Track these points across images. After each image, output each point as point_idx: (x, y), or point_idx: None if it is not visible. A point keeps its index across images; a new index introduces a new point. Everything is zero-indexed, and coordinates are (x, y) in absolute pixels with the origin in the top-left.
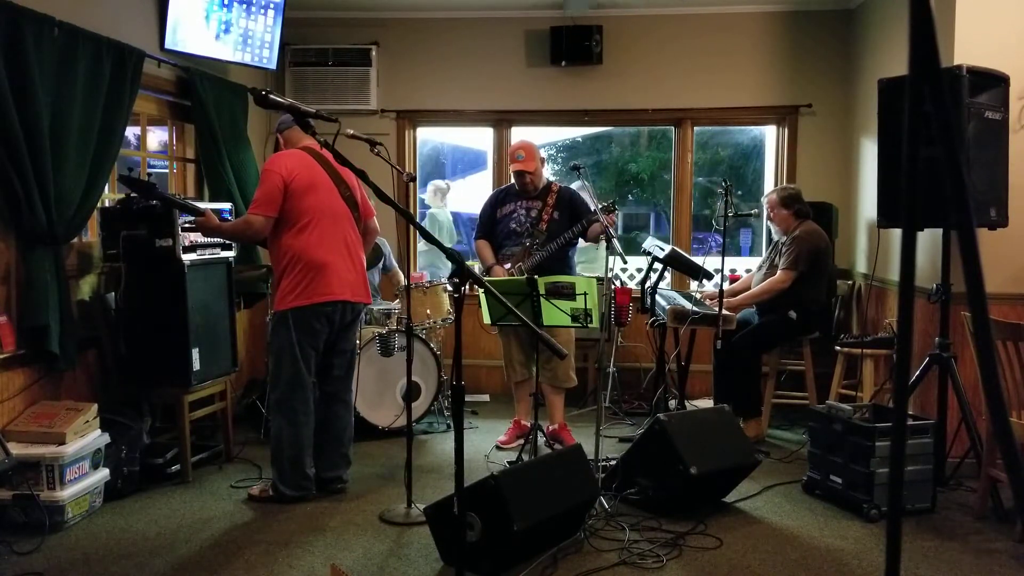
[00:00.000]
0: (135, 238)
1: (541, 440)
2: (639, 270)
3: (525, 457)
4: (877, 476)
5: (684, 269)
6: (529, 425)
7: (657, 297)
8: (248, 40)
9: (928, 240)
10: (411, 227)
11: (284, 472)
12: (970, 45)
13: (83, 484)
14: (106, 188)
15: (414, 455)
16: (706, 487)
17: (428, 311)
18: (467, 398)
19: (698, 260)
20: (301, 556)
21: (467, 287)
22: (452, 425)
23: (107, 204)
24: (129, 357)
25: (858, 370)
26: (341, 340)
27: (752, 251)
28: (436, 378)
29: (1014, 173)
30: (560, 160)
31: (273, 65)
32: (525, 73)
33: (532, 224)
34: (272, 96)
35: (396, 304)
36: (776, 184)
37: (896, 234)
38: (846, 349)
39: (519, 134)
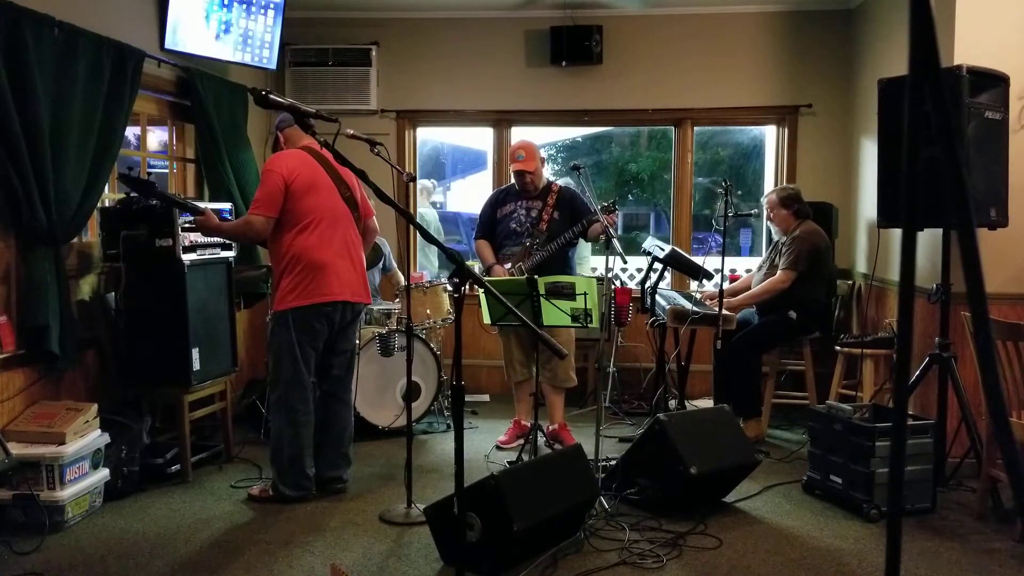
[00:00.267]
0: (135, 238)
1: (541, 440)
2: (639, 270)
3: (525, 457)
4: (877, 476)
5: (684, 269)
6: (529, 425)
7: (657, 297)
8: (248, 40)
9: (928, 240)
10: (411, 227)
11: (284, 472)
12: (970, 45)
13: (83, 484)
14: (106, 188)
15: (414, 455)
16: (706, 487)
17: (428, 311)
18: (467, 398)
19: (698, 260)
20: (301, 556)
21: (467, 287)
22: (452, 425)
23: (107, 204)
24: (129, 357)
25: (858, 370)
26: (340, 340)
27: (752, 251)
28: (436, 378)
29: (1014, 173)
30: (560, 160)
31: (273, 65)
32: (525, 73)
33: (532, 224)
34: (272, 96)
35: (396, 304)
36: (776, 184)
37: (896, 234)
38: (846, 349)
39: (519, 134)
